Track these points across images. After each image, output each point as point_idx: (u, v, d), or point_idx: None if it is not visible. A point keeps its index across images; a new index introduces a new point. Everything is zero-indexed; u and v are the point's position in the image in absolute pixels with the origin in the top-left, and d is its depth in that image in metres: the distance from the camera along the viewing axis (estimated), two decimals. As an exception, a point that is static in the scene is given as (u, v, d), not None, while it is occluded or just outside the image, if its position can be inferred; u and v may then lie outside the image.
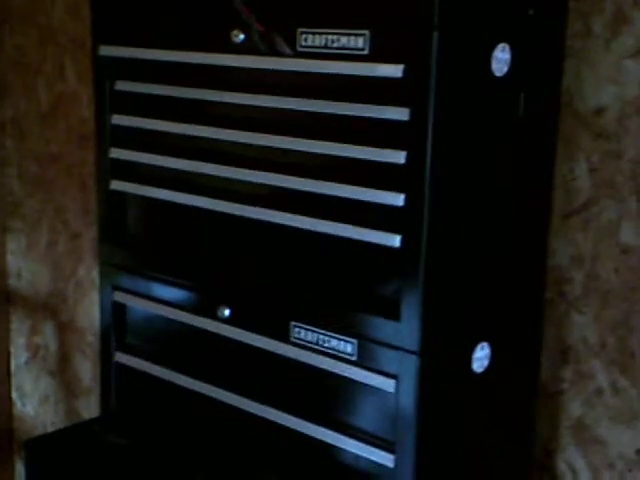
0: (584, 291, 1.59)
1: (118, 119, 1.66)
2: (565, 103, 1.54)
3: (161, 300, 1.66)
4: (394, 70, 1.26)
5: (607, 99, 1.52)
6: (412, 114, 1.26)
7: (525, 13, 1.36)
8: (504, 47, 1.32)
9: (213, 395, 1.59)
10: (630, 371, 1.56)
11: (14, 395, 2.81)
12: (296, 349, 1.45)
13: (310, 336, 1.43)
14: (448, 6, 1.23)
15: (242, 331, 1.53)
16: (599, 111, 1.53)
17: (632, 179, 1.51)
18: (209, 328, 1.57)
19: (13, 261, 2.71)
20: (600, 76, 1.52)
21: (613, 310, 1.57)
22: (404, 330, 1.32)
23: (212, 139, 1.52)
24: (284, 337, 1.46)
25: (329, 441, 1.44)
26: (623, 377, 1.57)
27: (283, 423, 1.49)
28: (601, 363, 1.59)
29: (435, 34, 1.22)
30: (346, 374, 1.40)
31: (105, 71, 1.66)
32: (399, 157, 1.28)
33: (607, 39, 1.50)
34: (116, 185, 1.69)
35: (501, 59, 1.32)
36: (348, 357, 1.39)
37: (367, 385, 1.39)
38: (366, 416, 1.42)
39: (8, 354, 2.79)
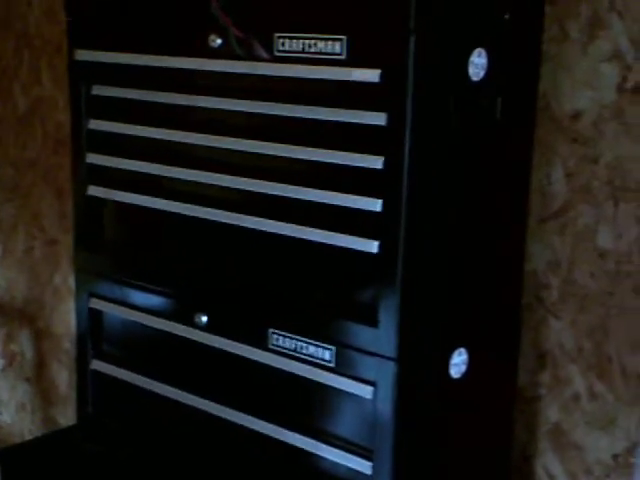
0: (561, 296, 1.60)
1: (94, 124, 1.65)
2: (541, 108, 1.55)
3: (138, 307, 1.65)
4: (371, 75, 1.26)
5: (583, 103, 1.52)
6: (389, 119, 1.26)
7: (501, 18, 1.37)
8: (480, 52, 1.32)
9: (190, 403, 1.58)
10: (607, 376, 1.57)
11: (-10, 403, 2.79)
12: (274, 356, 1.45)
13: (288, 343, 1.43)
14: (425, 11, 1.23)
15: (219, 338, 1.52)
16: (575, 116, 1.53)
17: (608, 184, 1.52)
18: (186, 335, 1.56)
19: (-11, 267, 2.69)
20: (576, 80, 1.52)
21: (590, 315, 1.57)
22: (382, 336, 1.32)
23: (189, 144, 1.51)
24: (262, 344, 1.46)
25: (307, 448, 1.44)
26: (600, 382, 1.58)
27: (260, 430, 1.49)
28: (578, 368, 1.60)
29: (412, 39, 1.22)
30: (324, 381, 1.40)
31: (81, 76, 1.65)
32: (377, 162, 1.28)
33: (583, 43, 1.51)
34: (93, 191, 1.67)
35: (478, 64, 1.32)
36: (326, 364, 1.39)
37: (345, 392, 1.38)
38: (344, 423, 1.41)
39: (-16, 362, 2.77)
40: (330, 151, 1.33)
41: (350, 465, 1.39)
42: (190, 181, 1.52)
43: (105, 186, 1.66)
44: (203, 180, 1.50)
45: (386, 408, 1.33)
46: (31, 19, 2.39)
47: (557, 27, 1.52)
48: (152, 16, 1.54)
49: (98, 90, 1.63)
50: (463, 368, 1.42)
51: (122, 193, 1.63)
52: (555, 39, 1.53)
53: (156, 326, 1.62)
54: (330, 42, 1.29)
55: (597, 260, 1.55)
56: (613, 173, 1.51)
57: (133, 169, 1.60)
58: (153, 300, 1.62)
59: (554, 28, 1.52)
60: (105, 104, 1.63)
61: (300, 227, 1.38)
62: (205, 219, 1.51)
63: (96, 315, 1.73)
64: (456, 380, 1.42)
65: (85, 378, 1.77)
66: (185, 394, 1.59)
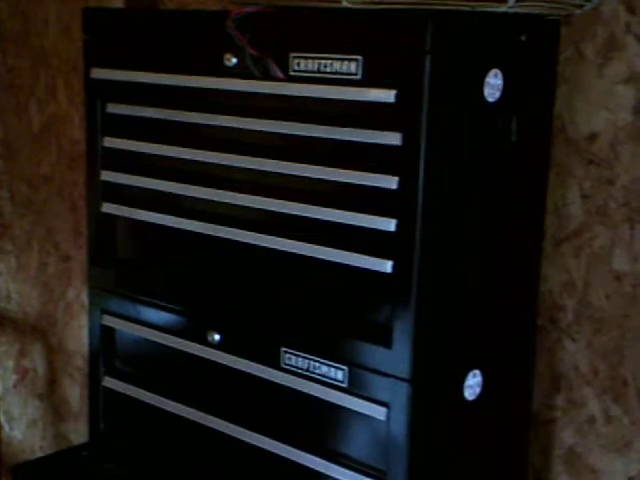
0: (576, 318, 1.59)
1: (109, 142, 1.65)
2: (557, 129, 1.54)
3: (150, 324, 1.64)
4: (386, 95, 1.26)
5: (599, 125, 1.52)
6: (404, 139, 1.25)
7: (517, 39, 1.36)
8: (496, 73, 1.32)
9: (202, 421, 1.58)
10: (622, 399, 1.56)
11: (2, 419, 2.79)
12: (286, 375, 1.44)
13: (301, 362, 1.42)
14: (441, 31, 1.23)
15: (232, 357, 1.51)
16: (591, 137, 1.53)
17: (624, 205, 1.51)
18: (199, 353, 1.56)
19: (2, 283, 2.70)
20: (592, 102, 1.52)
21: (605, 337, 1.56)
22: (396, 357, 1.31)
23: (204, 162, 1.51)
24: (274, 363, 1.45)
25: (319, 469, 1.43)
26: (615, 405, 1.56)
27: (272, 450, 1.48)
28: (593, 391, 1.58)
29: (427, 59, 1.22)
30: (336, 401, 1.39)
31: (97, 93, 1.65)
32: (391, 182, 1.28)
33: (599, 65, 1.50)
34: (107, 208, 1.68)
35: (493, 85, 1.32)
36: (339, 384, 1.38)
37: (358, 413, 1.37)
38: (357, 444, 1.40)
39: (-4, 377, 2.77)
40: (344, 171, 1.33)
41: (363, 487, 1.38)
42: (203, 199, 1.52)
43: (119, 203, 1.66)
44: (216, 198, 1.50)
45: (399, 429, 1.32)
46: (48, 37, 2.40)
47: (573, 48, 1.52)
48: (168, 35, 1.55)
49: (113, 108, 1.64)
50: (477, 390, 1.41)
51: (136, 211, 1.63)
52: (571, 60, 1.52)
53: (169, 344, 1.61)
54: (346, 62, 1.30)
55: (613, 282, 1.54)
56: (629, 195, 1.50)
57: (147, 187, 1.61)
58: (166, 318, 1.62)
59: (570, 49, 1.52)
60: (120, 122, 1.64)
61: (314, 246, 1.38)
62: (218, 237, 1.50)
63: (109, 332, 1.73)
64: (470, 402, 1.41)
65: (97, 395, 1.77)
66: (197, 412, 1.59)
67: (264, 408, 1.52)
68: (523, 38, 1.37)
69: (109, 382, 1.73)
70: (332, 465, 1.41)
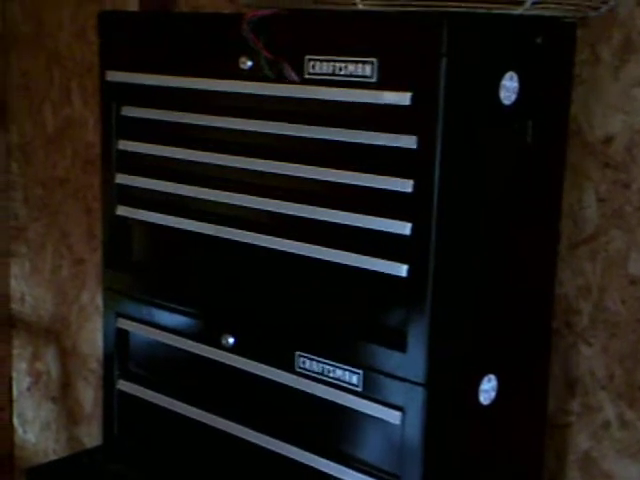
0: (591, 322, 1.58)
1: (124, 144, 1.65)
2: (573, 132, 1.54)
3: (165, 327, 1.64)
4: (402, 98, 1.25)
5: (616, 128, 1.51)
6: (420, 142, 1.25)
7: (533, 41, 1.36)
8: (512, 75, 1.31)
9: (216, 425, 1.58)
10: (638, 404, 1.55)
11: (15, 422, 2.79)
12: (301, 379, 1.44)
13: (315, 366, 1.42)
14: (456, 34, 1.22)
15: (246, 360, 1.51)
16: (607, 140, 1.52)
17: (641, 209, 1.50)
18: (213, 356, 1.56)
19: (16, 286, 2.70)
20: (608, 104, 1.51)
21: (621, 342, 1.55)
22: (410, 361, 1.31)
23: (219, 166, 1.51)
24: (289, 367, 1.45)
25: (333, 473, 1.42)
26: (630, 410, 1.55)
27: (286, 454, 1.48)
28: (608, 396, 1.58)
29: (443, 62, 1.21)
30: (351, 405, 1.39)
31: (112, 96, 1.66)
32: (406, 185, 1.27)
33: (615, 67, 1.50)
34: (122, 211, 1.68)
35: (509, 87, 1.31)
36: (353, 388, 1.38)
37: (372, 417, 1.37)
38: (371, 448, 1.40)
39: (10, 380, 2.78)
40: (360, 174, 1.32)
41: (376, 491, 1.38)
42: (219, 202, 1.52)
43: (134, 206, 1.66)
44: (231, 201, 1.50)
45: (414, 434, 1.32)
46: (62, 40, 2.41)
47: (589, 51, 1.51)
48: (183, 38, 1.55)
49: (128, 111, 1.64)
50: (492, 395, 1.41)
51: (151, 213, 1.63)
52: (587, 63, 1.52)
53: (183, 347, 1.61)
54: (361, 65, 1.29)
55: (628, 287, 1.53)
56: (646, 198, 1.49)
57: (162, 190, 1.61)
58: (180, 320, 1.62)
59: (586, 52, 1.51)
60: (135, 125, 1.64)
61: (329, 250, 1.38)
62: (233, 240, 1.50)
63: (123, 335, 1.73)
64: (485, 407, 1.40)
65: (111, 398, 1.76)
66: (211, 416, 1.58)
67: (278, 412, 1.52)
68: (539, 40, 1.36)
69: (123, 385, 1.73)
70: (346, 469, 1.41)
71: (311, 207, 1.39)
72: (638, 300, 1.52)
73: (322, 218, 1.38)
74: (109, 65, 1.65)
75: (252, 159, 1.46)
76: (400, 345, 1.31)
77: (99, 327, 2.07)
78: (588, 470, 1.61)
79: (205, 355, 1.57)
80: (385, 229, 1.31)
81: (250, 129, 1.46)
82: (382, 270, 1.32)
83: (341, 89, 1.32)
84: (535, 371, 1.54)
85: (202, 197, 1.54)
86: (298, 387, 1.44)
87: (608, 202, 1.54)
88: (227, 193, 1.50)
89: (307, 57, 1.35)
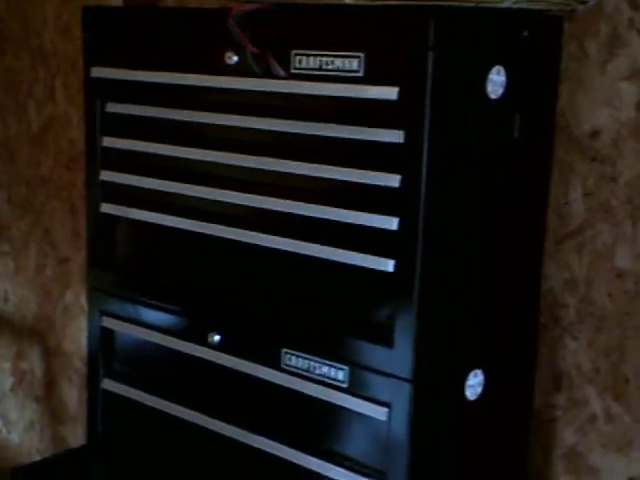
0: (578, 316, 1.58)
1: (109, 141, 1.64)
2: (560, 126, 1.54)
3: (150, 326, 1.64)
4: (389, 92, 1.25)
5: (602, 122, 1.51)
6: (407, 137, 1.25)
7: (520, 35, 1.36)
8: (499, 69, 1.31)
9: (202, 423, 1.57)
10: (624, 397, 1.55)
11: (-1, 422, 2.78)
12: (287, 376, 1.43)
13: (301, 363, 1.41)
14: (443, 28, 1.22)
15: (232, 357, 1.51)
16: (594, 134, 1.52)
17: (627, 203, 1.50)
18: (199, 354, 1.55)
19: (0, 285, 2.68)
20: (595, 98, 1.51)
21: (607, 335, 1.55)
22: (397, 357, 1.30)
23: (204, 161, 1.51)
24: (275, 364, 1.44)
25: (319, 470, 1.42)
26: (617, 403, 1.56)
27: (273, 452, 1.47)
28: (595, 389, 1.58)
29: (430, 56, 1.21)
30: (337, 402, 1.38)
31: (96, 93, 1.65)
32: (394, 180, 1.27)
33: (602, 61, 1.50)
34: (106, 208, 1.67)
35: (496, 81, 1.31)
36: (339, 384, 1.37)
37: (359, 413, 1.37)
38: (357, 445, 1.39)
39: (-7, 379, 2.76)
40: (347, 169, 1.32)
41: (364, 487, 1.38)
42: (204, 199, 1.51)
43: (118, 204, 1.65)
44: (216, 198, 1.49)
45: (401, 430, 1.32)
46: (46, 36, 2.39)
47: (576, 45, 1.52)
48: (168, 33, 1.54)
49: (113, 107, 1.63)
50: (479, 390, 1.41)
51: (135, 211, 1.62)
52: (574, 57, 1.52)
53: (168, 345, 1.61)
54: (347, 59, 1.29)
55: (615, 280, 1.53)
56: (632, 192, 1.50)
57: (147, 187, 1.60)
58: (165, 319, 1.61)
59: (573, 46, 1.52)
60: (119, 121, 1.63)
61: (315, 245, 1.37)
62: (218, 237, 1.50)
63: (108, 333, 1.72)
64: (472, 402, 1.40)
65: (96, 397, 1.76)
66: (196, 414, 1.58)
67: (264, 409, 1.51)
68: (526, 34, 1.36)
69: (108, 384, 1.73)
70: (332, 466, 1.41)
71: (298, 203, 1.38)
72: (624, 293, 1.53)
73: (309, 214, 1.37)
74: (93, 61, 1.64)
75: (238, 155, 1.45)
76: (387, 341, 1.31)
77: (83, 326, 2.06)
78: (574, 464, 1.62)
79: (191, 353, 1.57)
80: (372, 224, 1.31)
81: (236, 124, 1.45)
82: (369, 265, 1.32)
83: (328, 84, 1.31)
84: (521, 366, 1.54)
85: (187, 194, 1.54)
86: (284, 384, 1.44)
87: (594, 196, 1.54)
88: (213, 189, 1.50)
89: (294, 52, 1.34)
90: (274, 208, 1.41)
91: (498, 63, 1.31)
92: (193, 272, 1.59)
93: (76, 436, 2.51)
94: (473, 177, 1.33)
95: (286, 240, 1.41)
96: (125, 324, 1.68)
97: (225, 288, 1.53)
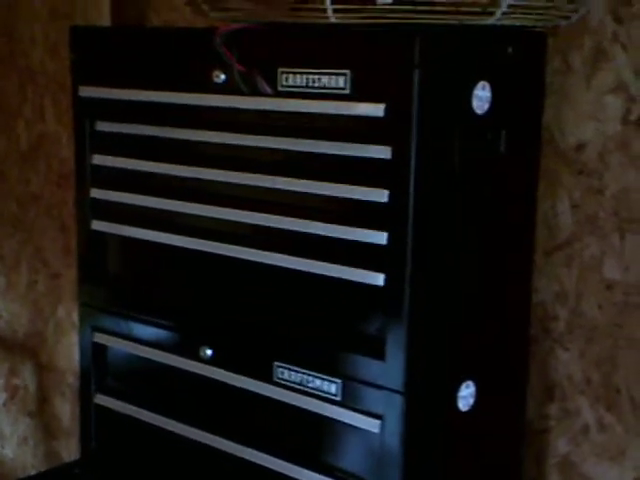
0: (568, 327, 1.59)
1: (98, 159, 1.65)
2: (546, 140, 1.55)
3: (142, 341, 1.64)
4: (375, 109, 1.26)
5: (588, 135, 1.52)
6: (394, 153, 1.26)
7: (504, 51, 1.37)
8: (484, 85, 1.32)
9: (195, 437, 1.57)
10: (616, 407, 1.56)
11: (-7, 438, 2.77)
12: (279, 389, 1.44)
13: (294, 376, 1.42)
14: (428, 46, 1.23)
15: (224, 372, 1.51)
16: (580, 147, 1.53)
17: (614, 215, 1.51)
18: (191, 369, 1.56)
19: (-8, 302, 2.68)
20: (580, 112, 1.52)
21: (598, 346, 1.56)
22: (389, 369, 1.31)
23: (193, 179, 1.51)
24: (267, 377, 1.45)
25: (313, 483, 1.42)
26: (609, 413, 1.56)
27: (266, 465, 1.48)
28: (587, 400, 1.59)
29: (416, 73, 1.22)
30: (330, 414, 1.39)
31: (85, 112, 1.65)
32: (382, 195, 1.28)
33: (587, 75, 1.51)
34: (96, 225, 1.67)
35: (482, 97, 1.32)
36: (332, 397, 1.38)
37: (351, 426, 1.37)
38: (350, 457, 1.40)
39: (-14, 396, 2.76)
40: (336, 185, 1.33)
41: (357, 500, 1.38)
42: (193, 215, 1.52)
43: (109, 220, 1.66)
44: (205, 214, 1.50)
45: (393, 442, 1.32)
46: (35, 56, 2.40)
47: (560, 59, 1.53)
48: (155, 52, 1.55)
49: (102, 126, 1.63)
50: (471, 401, 1.41)
51: (126, 227, 1.63)
52: (558, 71, 1.53)
53: (160, 360, 1.61)
54: (334, 77, 1.30)
55: (604, 292, 1.54)
56: (619, 204, 1.51)
57: (136, 203, 1.60)
58: (157, 334, 1.62)
59: (557, 60, 1.53)
60: (109, 139, 1.64)
61: (305, 260, 1.38)
62: (209, 252, 1.50)
63: (100, 349, 1.72)
64: (464, 413, 1.41)
65: (88, 412, 1.76)
66: (189, 428, 1.58)
67: (257, 423, 1.52)
68: (510, 50, 1.37)
69: (100, 399, 1.73)
70: (326, 478, 1.41)
71: (288, 218, 1.39)
72: (614, 305, 1.53)
73: (298, 229, 1.38)
74: (82, 80, 1.64)
75: (226, 172, 1.46)
76: (378, 353, 1.32)
77: (75, 342, 2.06)
78: (568, 474, 1.62)
79: (183, 368, 1.57)
80: (361, 239, 1.31)
81: (224, 142, 1.46)
82: (359, 280, 1.33)
83: (315, 101, 1.32)
84: (513, 377, 1.55)
85: (177, 210, 1.54)
86: (277, 398, 1.44)
87: (582, 208, 1.55)
88: (202, 206, 1.50)
89: (280, 70, 1.35)
90: (264, 224, 1.42)
91: (483, 79, 1.32)
92: (184, 287, 1.59)
93: (70, 451, 2.51)
94: (461, 192, 1.34)
95: (277, 255, 1.41)
96: (117, 339, 1.68)
97: (216, 303, 1.54)
